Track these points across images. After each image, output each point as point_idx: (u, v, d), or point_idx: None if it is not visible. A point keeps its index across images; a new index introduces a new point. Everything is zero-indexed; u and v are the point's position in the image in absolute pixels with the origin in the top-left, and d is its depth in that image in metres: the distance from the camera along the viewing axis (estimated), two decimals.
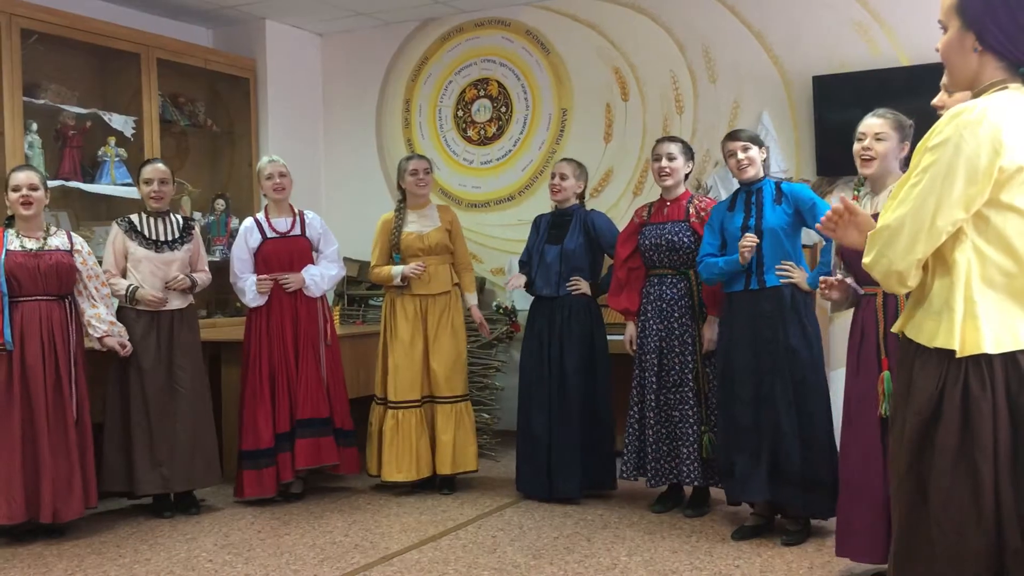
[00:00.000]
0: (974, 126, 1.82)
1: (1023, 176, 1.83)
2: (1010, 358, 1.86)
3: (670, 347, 4.45)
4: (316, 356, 4.86)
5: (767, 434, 3.98)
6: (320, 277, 4.91)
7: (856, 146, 3.44)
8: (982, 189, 1.83)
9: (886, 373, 3.28)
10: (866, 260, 1.96)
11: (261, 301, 4.83)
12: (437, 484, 5.00)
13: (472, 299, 5.11)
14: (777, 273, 4.00)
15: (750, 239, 3.99)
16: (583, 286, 4.75)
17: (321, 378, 4.87)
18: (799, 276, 3.98)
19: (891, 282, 1.93)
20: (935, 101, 3.03)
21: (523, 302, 5.61)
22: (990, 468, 1.84)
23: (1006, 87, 1.89)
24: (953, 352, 1.87)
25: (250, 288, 4.83)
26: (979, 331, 1.86)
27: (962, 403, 1.87)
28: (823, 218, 2.11)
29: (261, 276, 4.83)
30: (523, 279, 4.89)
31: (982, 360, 1.86)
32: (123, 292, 4.54)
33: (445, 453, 4.90)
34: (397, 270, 4.90)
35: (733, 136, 4.15)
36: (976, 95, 1.94)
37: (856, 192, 3.58)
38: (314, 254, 4.98)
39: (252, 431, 4.76)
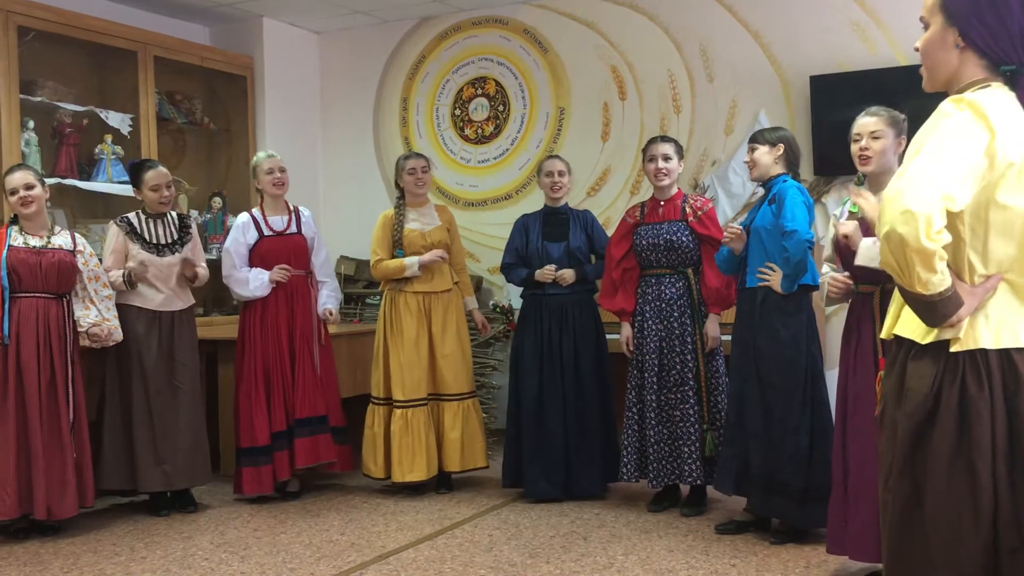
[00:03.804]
0: (960, 103, 1.84)
1: (1013, 173, 1.83)
2: (1006, 356, 1.85)
3: (670, 347, 4.45)
4: (311, 355, 4.87)
5: (744, 433, 4.03)
6: (337, 300, 5.05)
7: (853, 147, 3.46)
8: (977, 162, 1.80)
9: (883, 373, 3.29)
10: (881, 231, 1.81)
11: (265, 291, 4.81)
12: (435, 483, 5.00)
13: (472, 302, 5.13)
14: (757, 275, 4.00)
15: (729, 228, 4.08)
16: (567, 275, 4.73)
17: (317, 376, 4.87)
18: (775, 279, 3.92)
19: (919, 236, 1.71)
20: None
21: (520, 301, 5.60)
22: (988, 470, 1.83)
23: (988, 85, 1.90)
24: (949, 349, 1.86)
25: (255, 278, 4.80)
26: (977, 326, 1.85)
27: (959, 405, 1.85)
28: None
29: (282, 266, 4.81)
30: (552, 269, 4.76)
31: (979, 357, 1.85)
32: (121, 280, 4.53)
33: (453, 450, 4.87)
34: (412, 260, 4.86)
35: (749, 139, 4.17)
36: (957, 94, 1.93)
37: (857, 186, 3.56)
38: (310, 253, 4.99)
39: (249, 429, 4.75)
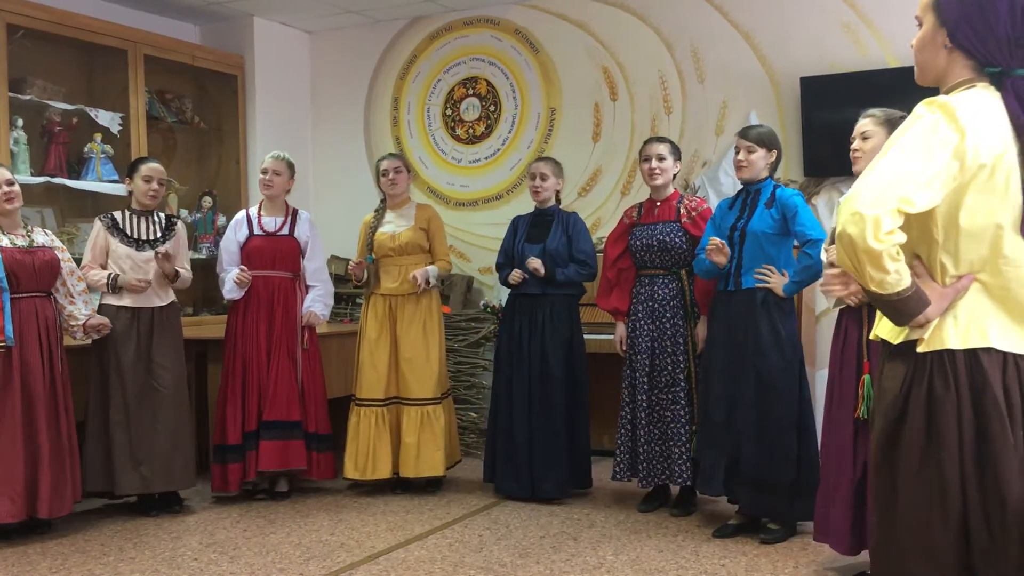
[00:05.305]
0: (932, 106, 1.87)
1: (985, 174, 1.85)
2: (973, 356, 1.87)
3: (662, 347, 4.45)
4: (291, 359, 4.83)
5: (734, 433, 4.04)
6: (325, 305, 4.98)
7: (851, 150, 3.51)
8: (945, 164, 1.82)
9: (867, 376, 3.34)
10: (837, 229, 1.85)
11: (237, 294, 4.81)
12: (423, 483, 4.99)
13: (432, 270, 4.91)
14: (756, 276, 4.02)
15: (712, 242, 4.04)
16: (534, 262, 4.68)
17: (295, 381, 4.83)
18: (776, 281, 3.98)
19: (865, 237, 1.76)
20: None
21: None
22: (956, 469, 1.86)
23: (974, 85, 1.93)
24: (918, 349, 1.89)
25: (228, 279, 4.81)
26: (945, 327, 1.88)
27: (927, 404, 1.88)
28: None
29: (242, 267, 4.80)
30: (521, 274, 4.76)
31: (945, 357, 1.88)
32: (104, 281, 4.51)
33: (408, 455, 4.85)
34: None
35: (742, 133, 4.15)
36: (944, 93, 1.97)
37: None
38: (300, 257, 4.97)
39: (221, 426, 4.78)
